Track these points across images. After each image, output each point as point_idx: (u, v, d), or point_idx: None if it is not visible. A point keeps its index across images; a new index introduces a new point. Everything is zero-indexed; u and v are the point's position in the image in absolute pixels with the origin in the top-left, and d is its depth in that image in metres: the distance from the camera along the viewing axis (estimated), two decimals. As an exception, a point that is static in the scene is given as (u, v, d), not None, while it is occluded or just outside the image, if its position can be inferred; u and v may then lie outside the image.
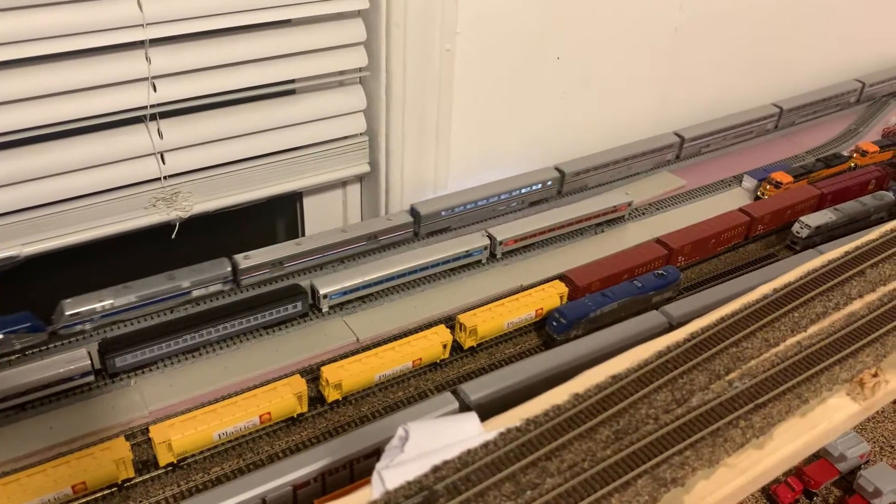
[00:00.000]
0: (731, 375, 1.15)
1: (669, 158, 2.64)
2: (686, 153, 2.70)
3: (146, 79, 1.74)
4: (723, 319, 1.25)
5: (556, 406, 1.07)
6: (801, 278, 1.35)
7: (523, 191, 2.31)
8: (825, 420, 1.12)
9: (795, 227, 2.27)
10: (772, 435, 1.08)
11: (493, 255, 2.14)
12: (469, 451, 1.00)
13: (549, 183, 2.36)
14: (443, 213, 2.19)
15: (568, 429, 1.04)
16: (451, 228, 2.23)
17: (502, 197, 2.29)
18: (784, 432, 1.09)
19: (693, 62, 2.72)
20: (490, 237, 2.12)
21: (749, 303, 1.29)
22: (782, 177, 2.45)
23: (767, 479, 1.07)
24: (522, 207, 2.34)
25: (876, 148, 2.65)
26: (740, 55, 2.86)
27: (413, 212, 2.17)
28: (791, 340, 1.23)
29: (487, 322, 1.83)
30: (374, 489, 0.97)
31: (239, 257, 1.95)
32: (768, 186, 2.45)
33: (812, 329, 1.26)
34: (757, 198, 2.46)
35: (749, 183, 2.54)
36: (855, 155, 2.65)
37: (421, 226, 2.17)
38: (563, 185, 2.39)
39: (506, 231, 2.15)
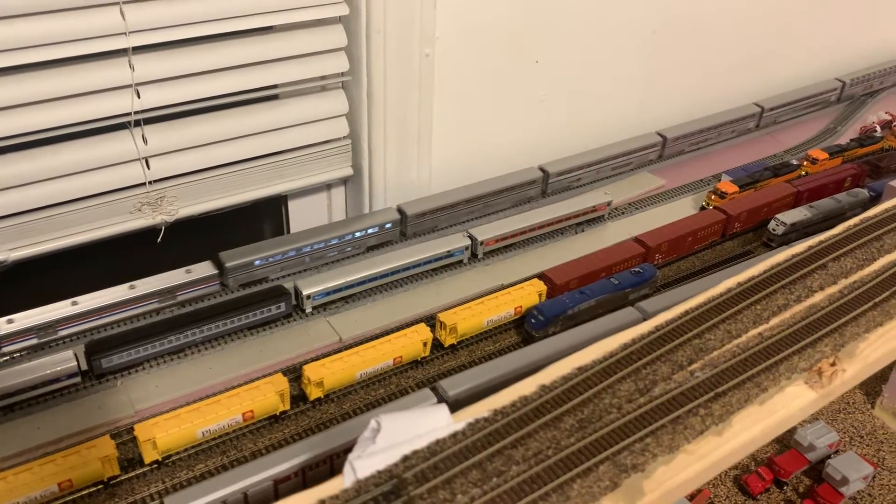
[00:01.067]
0: (694, 366, 1.19)
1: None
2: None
3: (130, 86, 1.77)
4: (687, 312, 1.29)
5: (523, 397, 1.11)
6: (764, 272, 1.39)
7: (357, 234, 2.13)
8: (783, 408, 1.16)
9: (771, 225, 2.31)
10: (730, 422, 1.11)
11: (474, 255, 2.18)
12: (438, 441, 1.04)
13: (389, 226, 2.19)
14: (256, 262, 1.99)
15: (534, 418, 1.08)
16: (268, 279, 2.03)
17: (332, 242, 2.10)
18: (742, 420, 1.13)
19: (671, 64, 2.77)
20: (471, 237, 2.16)
21: (713, 296, 1.33)
22: (728, 187, 2.42)
23: (726, 464, 1.11)
24: (359, 252, 2.16)
25: (825, 155, 2.64)
26: (719, 56, 2.91)
27: (218, 263, 1.97)
28: (753, 332, 1.27)
29: (467, 320, 1.87)
30: (346, 478, 1.01)
31: (0, 322, 1.71)
32: (713, 196, 2.41)
33: (774, 321, 1.29)
34: (702, 207, 2.42)
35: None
36: (805, 163, 2.64)
37: (228, 278, 1.97)
38: (407, 226, 2.22)
39: (487, 231, 2.19)
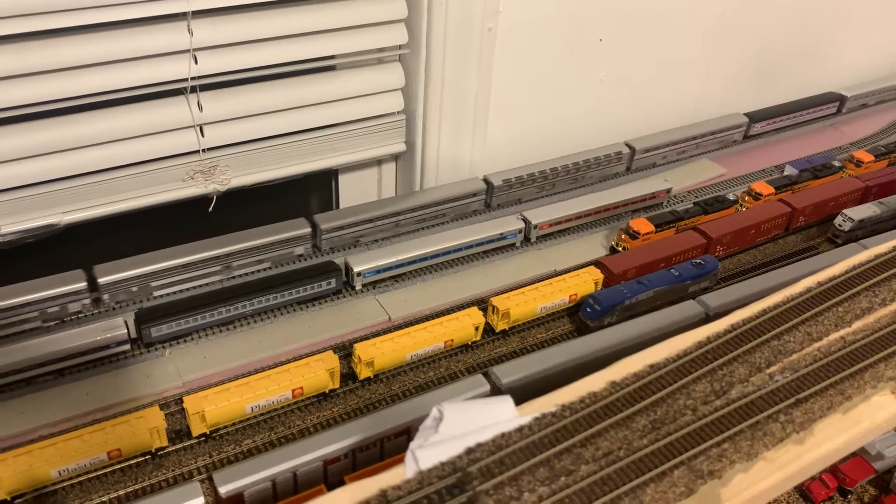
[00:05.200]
0: (772, 369, 1.13)
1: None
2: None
3: (188, 51, 1.74)
4: (765, 311, 1.22)
5: (592, 393, 1.06)
6: (846, 272, 1.32)
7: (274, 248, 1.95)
8: (868, 418, 1.09)
9: (838, 220, 2.22)
10: (812, 431, 1.05)
11: (527, 239, 2.12)
12: (504, 435, 0.99)
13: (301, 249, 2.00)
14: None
15: (604, 416, 1.03)
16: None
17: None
18: (825, 429, 1.06)
19: (736, 48, 2.66)
20: (525, 220, 2.11)
21: (792, 295, 1.26)
22: (641, 226, 2.09)
23: (806, 475, 1.05)
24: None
25: (771, 189, 2.30)
26: (786, 42, 2.79)
27: (91, 276, 1.76)
28: (835, 335, 1.20)
29: (520, 306, 1.82)
30: (408, 468, 0.97)
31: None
32: (623, 236, 2.10)
33: (857, 324, 1.22)
34: (612, 249, 2.12)
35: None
36: (747, 198, 2.30)
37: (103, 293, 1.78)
38: (321, 241, 2.01)
39: (541, 215, 2.13)
